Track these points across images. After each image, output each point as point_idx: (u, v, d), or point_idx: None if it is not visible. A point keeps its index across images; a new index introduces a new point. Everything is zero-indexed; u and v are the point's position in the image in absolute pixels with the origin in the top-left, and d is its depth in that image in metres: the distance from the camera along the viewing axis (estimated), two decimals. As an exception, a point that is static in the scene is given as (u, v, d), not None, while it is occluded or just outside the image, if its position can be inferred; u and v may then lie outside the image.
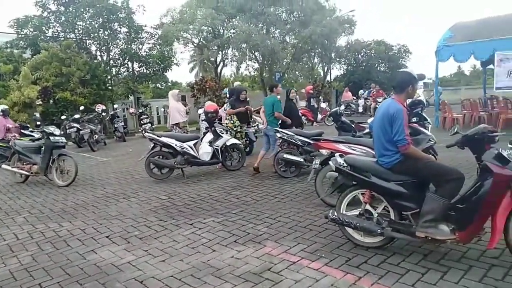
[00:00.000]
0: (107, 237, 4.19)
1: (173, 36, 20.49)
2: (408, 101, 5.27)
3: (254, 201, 5.23)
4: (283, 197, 5.36)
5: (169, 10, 23.19)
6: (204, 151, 7.05)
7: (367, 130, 5.91)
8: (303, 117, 15.22)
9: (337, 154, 3.67)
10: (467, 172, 5.17)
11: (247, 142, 9.11)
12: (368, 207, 3.41)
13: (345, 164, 3.44)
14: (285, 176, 6.47)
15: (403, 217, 3.28)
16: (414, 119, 5.68)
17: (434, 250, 3.27)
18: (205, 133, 7.99)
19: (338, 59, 29.58)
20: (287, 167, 6.53)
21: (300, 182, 6.09)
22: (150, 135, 7.08)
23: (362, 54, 31.82)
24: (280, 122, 7.06)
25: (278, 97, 7.19)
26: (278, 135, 6.54)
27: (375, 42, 31.62)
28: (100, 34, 17.12)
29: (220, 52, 23.97)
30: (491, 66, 12.98)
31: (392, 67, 29.86)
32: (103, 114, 14.36)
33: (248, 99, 8.25)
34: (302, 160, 6.25)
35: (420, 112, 5.37)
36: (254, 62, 25.09)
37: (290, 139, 6.41)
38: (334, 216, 3.43)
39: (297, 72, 27.48)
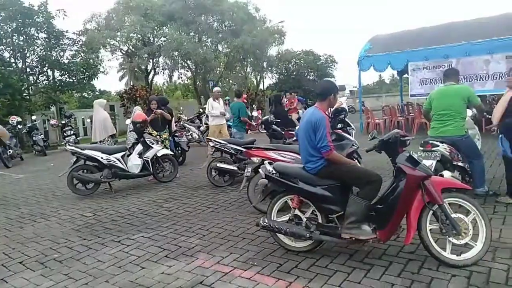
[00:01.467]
0: (20, 262, 3.78)
1: (99, 43, 19.50)
2: (332, 108, 5.59)
3: (186, 213, 5.10)
4: (217, 206, 5.30)
5: (94, 16, 22.06)
6: (134, 163, 6.74)
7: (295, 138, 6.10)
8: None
9: (266, 162, 3.73)
10: (388, 174, 5.59)
11: (179, 152, 8.92)
12: (297, 212, 3.50)
13: (274, 171, 3.50)
14: (219, 185, 6.42)
15: (330, 220, 3.41)
16: (339, 126, 6.00)
17: (358, 250, 3.44)
18: (134, 144, 7.65)
19: (270, 68, 30.41)
20: (220, 176, 6.49)
21: (234, 190, 6.08)
22: (72, 148, 6.58)
23: (293, 63, 33.10)
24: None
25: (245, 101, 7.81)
26: (211, 144, 6.50)
27: (304, 52, 33.10)
28: (14, 40, 15.66)
29: (150, 60, 23.34)
30: (406, 75, 14.27)
31: (321, 75, 31.45)
32: (19, 126, 13.09)
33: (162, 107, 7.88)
34: (235, 168, 6.26)
35: (343, 118, 5.70)
36: (187, 71, 24.83)
37: (223, 148, 6.40)
38: (265, 223, 3.46)
39: (230, 81, 27.72)
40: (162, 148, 7.10)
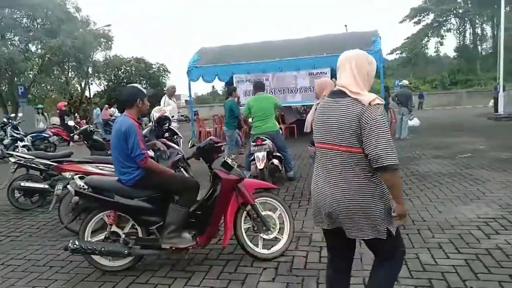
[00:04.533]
0: None
1: None
2: (156, 116, 5.47)
3: (-26, 247, 4.09)
4: (19, 234, 4.45)
5: None
6: None
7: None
8: (55, 136, 13.53)
9: (76, 176, 3.34)
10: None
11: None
12: (114, 228, 3.23)
13: (85, 186, 3.15)
14: (25, 208, 5.43)
15: (151, 233, 3.27)
16: (166, 134, 5.91)
17: (181, 259, 3.41)
18: None
19: (97, 74, 28.04)
20: (27, 197, 5.51)
21: (45, 212, 5.24)
22: None
23: (123, 70, 31.41)
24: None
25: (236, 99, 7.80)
26: (12, 159, 5.44)
27: (135, 59, 31.87)
28: None
29: None
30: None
31: (153, 84, 30.86)
32: None
33: None
34: (46, 186, 5.39)
35: (169, 127, 5.64)
36: (-13, 72, 20.53)
37: (29, 163, 5.44)
38: (75, 245, 3.06)
39: (48, 86, 24.28)
40: None
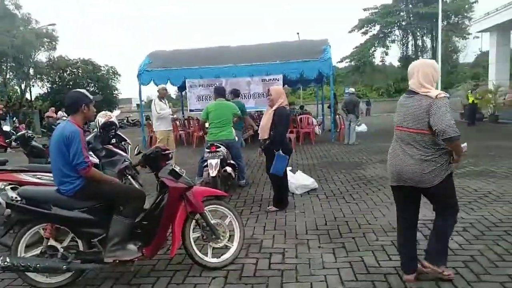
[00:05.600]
0: None
1: None
2: (102, 122, 5.23)
3: None
4: None
5: None
6: None
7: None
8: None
9: (8, 187, 3.08)
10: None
11: None
12: (52, 242, 3.01)
13: (18, 198, 2.91)
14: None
15: (93, 245, 3.09)
16: (113, 141, 5.66)
17: (125, 272, 3.26)
18: None
19: (39, 76, 26.35)
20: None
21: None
22: None
23: (68, 72, 29.81)
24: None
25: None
26: None
27: (82, 61, 30.37)
28: None
29: None
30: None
31: (102, 87, 29.62)
32: None
33: None
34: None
35: (115, 132, 5.41)
36: None
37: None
38: (6, 263, 2.81)
39: (-18, 88, 22.43)
40: None
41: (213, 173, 5.48)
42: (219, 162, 5.55)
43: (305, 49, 13.33)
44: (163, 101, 7.93)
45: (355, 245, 3.65)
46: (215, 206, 3.45)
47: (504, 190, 5.32)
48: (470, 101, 15.77)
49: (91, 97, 3.05)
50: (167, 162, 3.26)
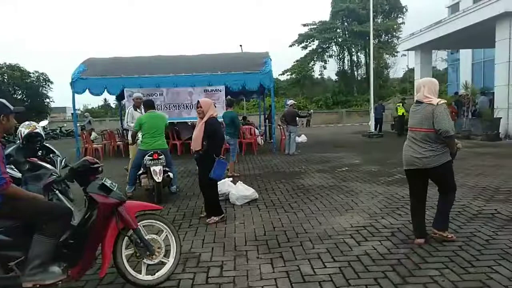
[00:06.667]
0: None
1: None
2: (25, 133, 4.82)
3: None
4: None
5: None
6: None
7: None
8: None
9: None
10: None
11: None
12: (-40, 268, 2.68)
13: None
14: None
15: (9, 269, 2.80)
16: (40, 153, 5.23)
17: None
18: None
19: (-44, 81, 23.82)
20: None
21: None
22: None
23: (-8, 78, 27.32)
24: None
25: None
26: None
27: (7, 66, 28.00)
28: None
29: None
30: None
31: (31, 95, 27.50)
32: None
33: None
34: None
35: (42, 144, 5.00)
36: None
37: None
38: None
39: None
40: None
41: (158, 178, 5.93)
42: (161, 168, 6.03)
43: (247, 61, 13.53)
44: (138, 110, 7.53)
45: (292, 254, 3.71)
46: (150, 221, 3.31)
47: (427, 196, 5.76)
48: (400, 113, 17.02)
49: (12, 107, 2.80)
50: (96, 176, 3.07)
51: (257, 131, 14.42)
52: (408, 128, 3.88)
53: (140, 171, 6.48)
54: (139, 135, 6.56)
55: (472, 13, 13.83)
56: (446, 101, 3.64)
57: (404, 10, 40.88)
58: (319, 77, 44.53)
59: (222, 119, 9.97)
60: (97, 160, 3.10)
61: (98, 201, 2.92)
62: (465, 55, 23.09)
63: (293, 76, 41.97)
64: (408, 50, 20.67)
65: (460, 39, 16.63)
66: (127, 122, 7.75)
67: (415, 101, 3.86)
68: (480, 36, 15.15)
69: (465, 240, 3.86)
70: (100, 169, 3.10)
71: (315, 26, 40.38)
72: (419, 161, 3.68)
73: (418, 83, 3.84)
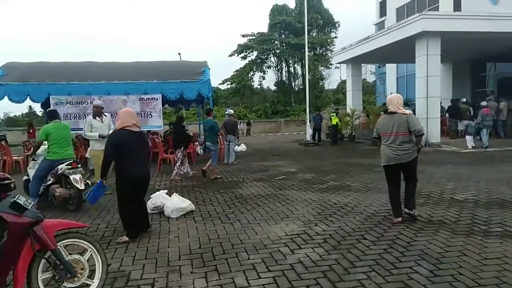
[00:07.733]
0: None
1: None
2: None
3: None
4: None
5: None
6: None
7: None
8: None
9: None
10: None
11: None
12: None
13: None
14: None
15: None
16: None
17: None
18: None
19: None
20: None
21: None
22: None
23: None
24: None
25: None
26: None
27: None
28: None
29: None
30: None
31: None
32: None
33: None
34: None
35: None
36: None
37: None
38: None
39: None
40: None
41: (81, 186, 6.01)
42: (81, 176, 6.18)
43: (184, 70, 13.35)
44: (98, 119, 7.43)
45: (227, 267, 3.65)
46: (72, 240, 3.07)
47: (358, 202, 6.07)
48: (334, 122, 17.85)
49: None
50: (7, 194, 2.77)
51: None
52: (383, 134, 4.86)
53: (49, 181, 6.17)
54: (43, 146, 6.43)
55: (395, 31, 15.04)
56: (411, 111, 4.90)
57: (337, 25, 43.22)
58: (258, 87, 45.31)
59: (203, 127, 10.50)
60: (8, 176, 2.80)
61: (8, 220, 2.63)
62: (391, 69, 25.05)
63: (233, 85, 42.23)
64: (340, 63, 21.88)
65: (385, 54, 17.97)
66: (84, 132, 7.58)
67: (387, 111, 4.94)
68: (402, 52, 16.49)
69: (389, 243, 4.11)
70: (12, 185, 2.81)
71: (254, 37, 41.13)
72: (399, 157, 4.71)
73: (389, 98, 4.97)
